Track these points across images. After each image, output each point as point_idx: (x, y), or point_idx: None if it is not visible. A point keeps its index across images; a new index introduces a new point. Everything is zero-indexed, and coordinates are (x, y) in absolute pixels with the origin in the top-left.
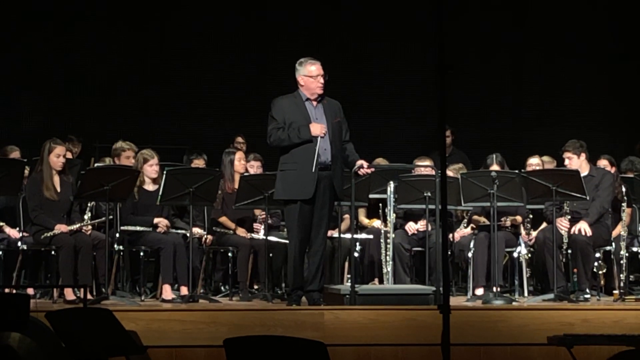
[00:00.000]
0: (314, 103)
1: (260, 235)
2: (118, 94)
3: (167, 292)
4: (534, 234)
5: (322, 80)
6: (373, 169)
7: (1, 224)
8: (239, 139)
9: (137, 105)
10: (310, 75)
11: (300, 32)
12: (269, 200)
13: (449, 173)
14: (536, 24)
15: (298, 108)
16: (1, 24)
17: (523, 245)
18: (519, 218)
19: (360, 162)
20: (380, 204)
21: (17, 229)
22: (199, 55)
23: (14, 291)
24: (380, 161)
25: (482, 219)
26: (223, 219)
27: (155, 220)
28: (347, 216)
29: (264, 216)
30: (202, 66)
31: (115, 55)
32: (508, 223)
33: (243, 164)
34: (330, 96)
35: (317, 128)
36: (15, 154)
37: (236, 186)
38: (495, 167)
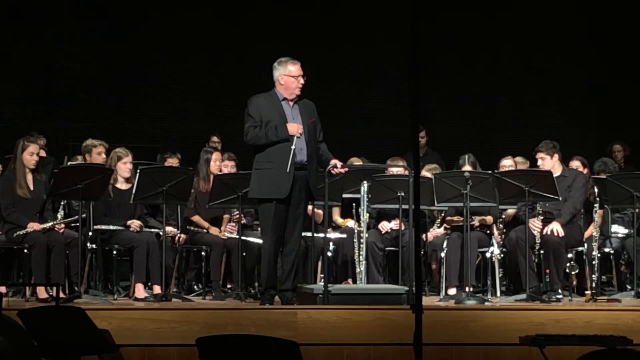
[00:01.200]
0: (290, 103)
1: (234, 234)
2: (92, 92)
3: (140, 290)
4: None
5: (302, 81)
6: (347, 169)
7: None
8: (214, 139)
9: (111, 104)
10: (290, 75)
11: (275, 31)
12: (242, 199)
13: (424, 173)
14: (510, 25)
15: (274, 107)
16: None
17: (496, 245)
18: (488, 218)
19: (334, 161)
20: (354, 204)
21: None
22: (173, 53)
23: None
24: (355, 161)
25: (456, 218)
26: (196, 218)
27: (128, 222)
28: (320, 212)
29: (237, 216)
30: (176, 65)
31: (88, 52)
32: (476, 223)
33: (218, 165)
34: (306, 96)
35: (294, 127)
36: None
37: (210, 186)
38: (467, 167)
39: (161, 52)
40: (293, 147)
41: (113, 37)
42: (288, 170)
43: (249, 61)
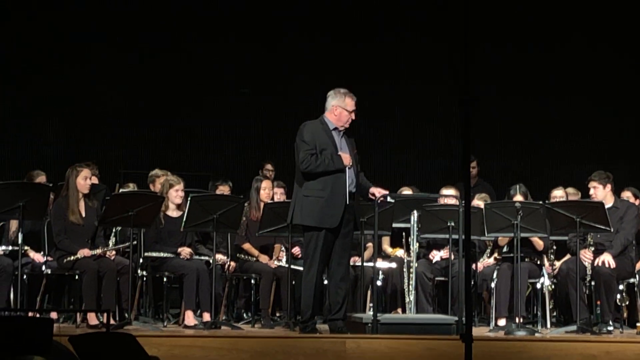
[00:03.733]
0: (340, 133)
1: (284, 262)
2: (143, 122)
3: (190, 318)
4: (557, 264)
5: (354, 117)
6: (386, 194)
7: (26, 248)
8: (268, 166)
9: (162, 133)
10: (345, 108)
11: (318, 61)
12: (292, 228)
13: (475, 203)
14: (558, 56)
15: (327, 135)
16: (28, 53)
17: (546, 276)
18: (539, 243)
19: (372, 189)
20: (404, 233)
21: (42, 253)
22: (223, 82)
23: (38, 315)
24: (405, 190)
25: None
26: (247, 246)
27: (179, 249)
28: (370, 245)
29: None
30: (225, 94)
31: (138, 81)
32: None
33: (268, 193)
34: (360, 126)
35: (347, 158)
36: (42, 179)
37: (260, 214)
38: (518, 197)
39: (211, 82)
40: (347, 177)
41: (162, 68)
42: (348, 202)
43: (292, 91)
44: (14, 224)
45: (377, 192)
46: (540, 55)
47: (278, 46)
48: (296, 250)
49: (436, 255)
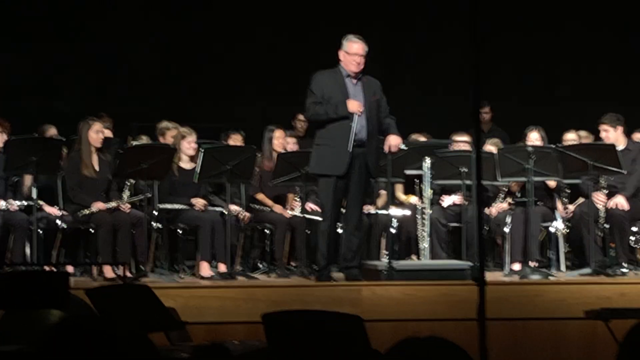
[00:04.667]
0: (354, 80)
1: (298, 212)
2: (153, 74)
3: (205, 269)
4: (571, 207)
5: (357, 60)
6: (399, 144)
7: (41, 203)
8: (300, 117)
9: (172, 85)
10: (348, 52)
11: (334, 8)
12: (306, 177)
13: (487, 148)
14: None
15: (337, 83)
16: (41, 7)
17: (560, 220)
18: (552, 183)
19: (387, 142)
20: (417, 180)
21: (57, 207)
22: (237, 32)
23: (54, 269)
24: (417, 137)
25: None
26: (260, 196)
27: (192, 200)
28: (383, 192)
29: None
30: (239, 45)
31: (149, 34)
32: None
33: (281, 142)
34: (369, 72)
35: (355, 105)
36: (52, 132)
37: (274, 164)
38: (535, 134)
39: (226, 33)
40: (353, 124)
41: (175, 23)
42: (350, 148)
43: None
44: (27, 179)
45: (391, 146)
46: None
47: None
48: (309, 205)
49: (447, 199)
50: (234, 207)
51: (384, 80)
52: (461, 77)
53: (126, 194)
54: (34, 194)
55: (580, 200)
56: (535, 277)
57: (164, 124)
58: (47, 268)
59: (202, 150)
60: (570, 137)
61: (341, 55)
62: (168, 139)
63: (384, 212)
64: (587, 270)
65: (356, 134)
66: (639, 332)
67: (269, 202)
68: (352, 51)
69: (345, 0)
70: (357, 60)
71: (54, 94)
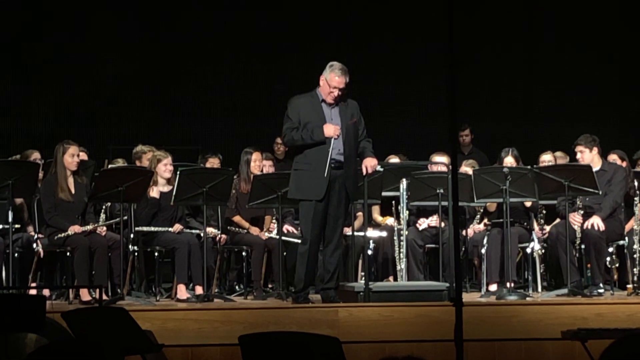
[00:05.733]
0: (331, 104)
1: (274, 234)
2: (129, 97)
3: (182, 291)
4: (547, 228)
5: (335, 94)
6: (375, 166)
7: (17, 225)
8: (279, 140)
9: (148, 108)
10: (329, 82)
11: (312, 31)
12: (282, 199)
13: (464, 169)
14: (547, 19)
15: (314, 108)
16: (15, 27)
17: (536, 240)
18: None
19: (363, 163)
20: (394, 202)
21: (32, 230)
22: (211, 54)
23: (30, 292)
24: (392, 159)
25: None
26: (237, 219)
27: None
28: (360, 214)
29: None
30: (214, 67)
31: (124, 57)
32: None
33: (258, 165)
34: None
35: (331, 129)
36: (35, 156)
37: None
38: (510, 159)
39: (199, 54)
40: (330, 149)
41: (148, 41)
42: (326, 174)
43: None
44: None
45: (367, 167)
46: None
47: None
48: (286, 227)
49: (423, 223)
50: (210, 230)
51: (362, 102)
52: (440, 100)
53: (102, 217)
54: (10, 217)
55: (557, 220)
56: (512, 297)
57: (140, 147)
58: (23, 291)
59: (178, 172)
60: (546, 159)
61: (321, 80)
62: (144, 162)
63: (360, 233)
64: (563, 290)
65: (333, 157)
66: (615, 352)
67: (246, 224)
68: (333, 84)
69: (323, 22)
70: (335, 94)
71: (29, 117)
